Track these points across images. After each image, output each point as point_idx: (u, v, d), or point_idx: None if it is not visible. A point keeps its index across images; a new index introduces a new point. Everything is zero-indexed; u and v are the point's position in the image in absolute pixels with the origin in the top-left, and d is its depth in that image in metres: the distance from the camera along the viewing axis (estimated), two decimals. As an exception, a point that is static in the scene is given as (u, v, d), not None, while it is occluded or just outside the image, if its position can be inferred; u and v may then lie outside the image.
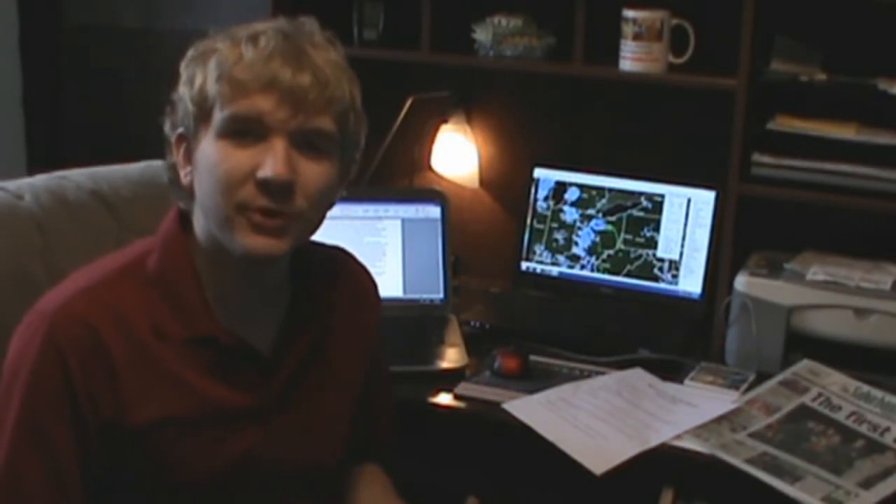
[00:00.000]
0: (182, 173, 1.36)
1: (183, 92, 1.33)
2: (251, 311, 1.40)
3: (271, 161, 1.28)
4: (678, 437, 1.84)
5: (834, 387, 1.97)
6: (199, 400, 1.35)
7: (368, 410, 1.59)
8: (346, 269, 1.56)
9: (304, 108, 1.29)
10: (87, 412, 1.29)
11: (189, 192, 1.36)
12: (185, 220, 1.39)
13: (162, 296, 1.34)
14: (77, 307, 1.30)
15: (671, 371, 2.05)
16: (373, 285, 1.61)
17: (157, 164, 1.65)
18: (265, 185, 1.29)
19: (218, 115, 1.30)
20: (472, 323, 2.23)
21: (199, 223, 1.36)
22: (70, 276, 1.37)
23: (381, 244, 2.27)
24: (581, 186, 2.41)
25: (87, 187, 1.68)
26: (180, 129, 1.35)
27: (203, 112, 1.31)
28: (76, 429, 1.29)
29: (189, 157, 1.35)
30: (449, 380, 1.99)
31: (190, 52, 1.35)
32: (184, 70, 1.34)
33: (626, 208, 2.37)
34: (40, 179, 1.69)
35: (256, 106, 1.28)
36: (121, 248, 1.45)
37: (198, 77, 1.32)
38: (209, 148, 1.31)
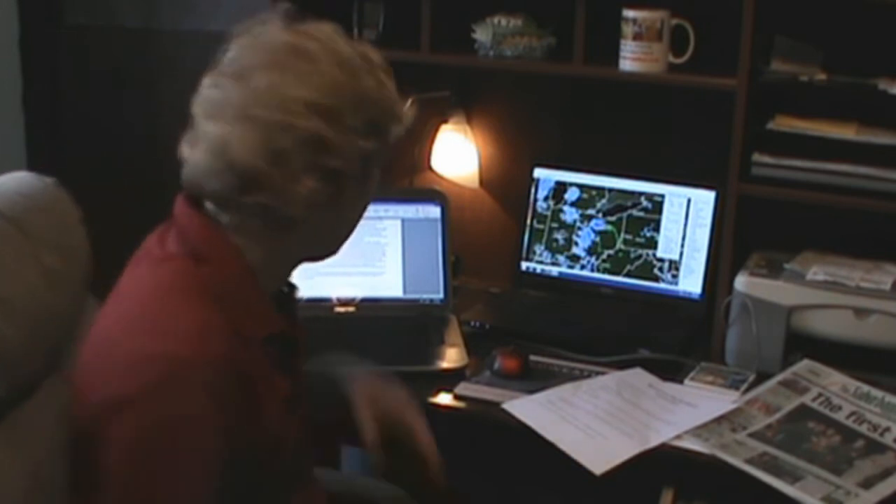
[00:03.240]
0: (301, 209, 1.36)
1: (398, 111, 1.42)
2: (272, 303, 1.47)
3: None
4: (678, 437, 1.84)
5: (834, 387, 1.97)
6: (281, 394, 1.41)
7: None
8: None
9: None
10: (238, 444, 1.32)
11: (285, 224, 1.37)
12: (223, 230, 1.39)
13: (231, 305, 1.35)
14: (209, 345, 1.28)
15: (671, 371, 2.05)
16: None
17: (27, 174, 1.59)
18: None
19: (383, 154, 1.41)
20: (472, 323, 2.23)
21: (267, 234, 1.39)
22: (124, 314, 1.34)
23: (381, 244, 2.27)
24: (581, 186, 2.41)
25: None
26: (340, 167, 1.36)
27: (391, 143, 1.42)
28: (226, 465, 1.32)
29: (336, 197, 1.38)
30: (449, 380, 1.99)
31: (365, 67, 1.38)
32: (380, 87, 1.39)
33: (626, 208, 2.37)
34: None
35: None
36: (38, 264, 1.43)
37: (390, 96, 1.41)
38: (373, 181, 1.43)
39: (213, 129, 1.33)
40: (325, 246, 1.47)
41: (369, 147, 1.37)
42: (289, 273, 1.49)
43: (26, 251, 1.46)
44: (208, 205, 1.39)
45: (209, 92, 1.36)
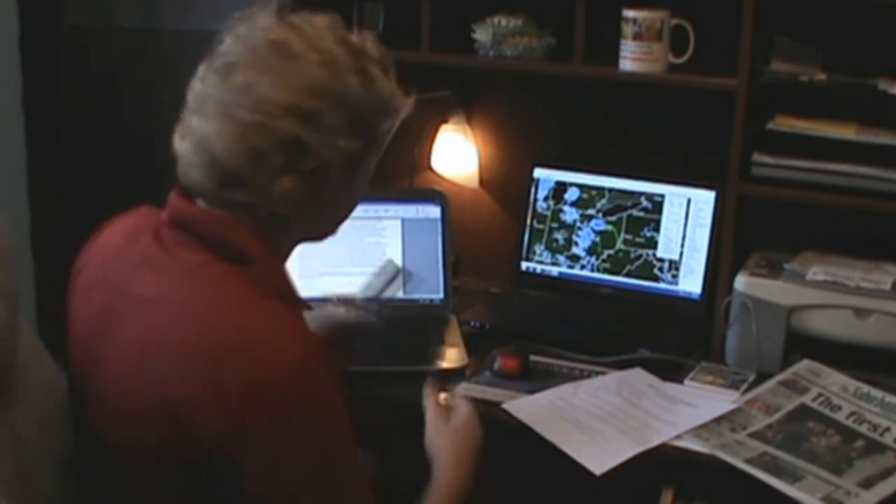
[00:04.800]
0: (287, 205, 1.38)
1: (396, 104, 1.44)
2: None
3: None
4: (678, 437, 1.84)
5: (834, 387, 1.97)
6: None
7: None
8: None
9: None
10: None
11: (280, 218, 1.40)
12: (249, 227, 1.40)
13: (282, 297, 1.40)
14: (308, 340, 1.34)
15: (671, 371, 2.05)
16: None
17: None
18: None
19: (373, 149, 1.44)
20: (472, 323, 2.23)
21: (281, 229, 1.42)
22: (246, 322, 1.34)
23: (381, 244, 2.27)
24: (581, 186, 2.41)
25: None
26: (379, 140, 1.45)
27: (384, 138, 1.45)
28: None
29: (317, 191, 1.39)
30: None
31: (345, 66, 1.38)
32: (329, 111, 1.36)
33: (626, 208, 2.37)
34: None
35: None
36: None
37: (384, 89, 1.42)
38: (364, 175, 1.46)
39: (196, 123, 1.35)
40: (318, 235, 1.51)
41: (354, 146, 1.38)
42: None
43: None
44: (200, 202, 1.40)
45: (196, 85, 1.38)
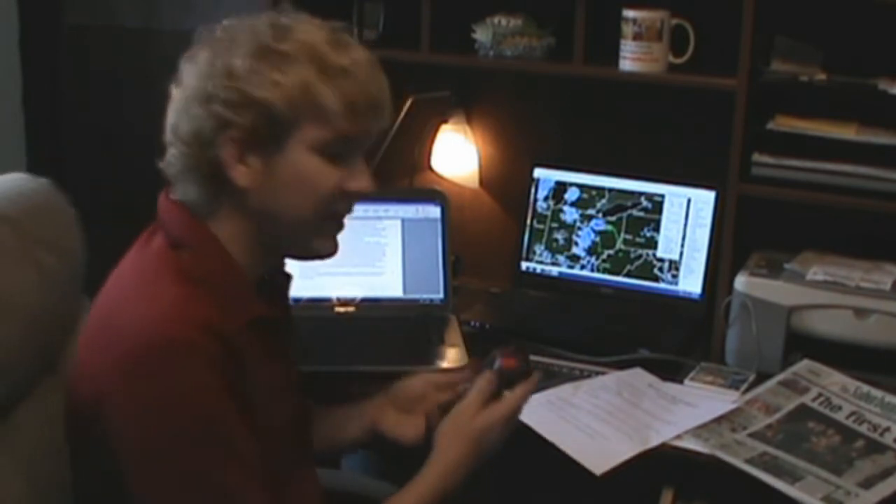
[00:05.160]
0: (234, 172, 1.36)
1: (261, 94, 1.32)
2: (262, 289, 1.48)
3: (361, 176, 1.40)
4: (678, 437, 1.84)
5: (834, 387, 1.97)
6: (266, 377, 1.40)
7: None
8: None
9: (383, 122, 1.41)
10: (247, 407, 1.33)
11: (234, 190, 1.37)
12: (196, 213, 1.41)
13: (212, 290, 1.36)
14: (191, 318, 1.30)
15: (671, 371, 2.05)
16: None
17: (22, 175, 1.60)
18: (356, 197, 1.41)
19: (321, 133, 1.34)
20: (472, 323, 2.23)
21: (237, 219, 1.39)
22: (112, 306, 1.36)
23: (381, 244, 2.27)
24: (581, 186, 2.41)
25: None
26: (242, 129, 1.34)
27: (296, 121, 1.34)
28: (248, 425, 1.34)
29: (246, 157, 1.35)
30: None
31: (241, 48, 1.34)
32: (250, 71, 1.33)
33: (626, 208, 2.37)
34: None
35: (367, 129, 1.38)
36: (32, 262, 1.45)
37: (285, 82, 1.32)
38: (302, 159, 1.36)
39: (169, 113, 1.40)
40: (288, 230, 1.41)
41: (240, 123, 1.34)
42: (270, 261, 1.48)
43: (21, 251, 1.47)
44: (179, 194, 1.42)
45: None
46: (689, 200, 2.32)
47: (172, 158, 1.39)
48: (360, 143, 1.40)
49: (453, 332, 2.16)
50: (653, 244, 2.35)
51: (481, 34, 2.31)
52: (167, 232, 1.40)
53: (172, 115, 1.39)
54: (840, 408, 1.92)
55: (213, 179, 1.37)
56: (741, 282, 2.09)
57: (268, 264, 1.48)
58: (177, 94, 1.38)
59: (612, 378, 2.03)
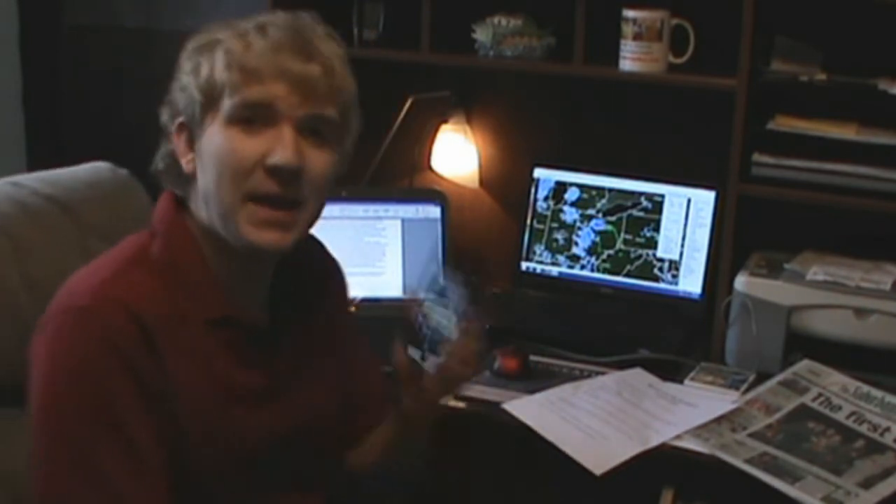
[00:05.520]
0: (184, 161, 1.37)
1: (187, 81, 1.35)
2: (246, 292, 1.42)
3: (281, 148, 1.31)
4: (678, 437, 1.85)
5: (834, 387, 1.97)
6: (224, 381, 1.36)
7: (357, 371, 1.62)
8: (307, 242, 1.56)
9: (313, 96, 1.33)
10: (149, 388, 1.29)
11: (190, 180, 1.37)
12: (180, 205, 1.40)
13: (173, 280, 1.35)
14: (111, 293, 1.29)
15: (671, 371, 2.05)
16: (328, 254, 1.62)
17: (103, 164, 1.65)
18: (275, 172, 1.31)
19: (227, 103, 1.31)
20: (473, 323, 2.23)
21: (201, 210, 1.37)
22: (76, 273, 1.36)
23: (381, 244, 2.27)
24: (581, 186, 2.41)
25: (43, 192, 1.65)
26: (181, 118, 1.36)
27: (210, 100, 1.33)
28: (146, 405, 1.29)
29: (191, 146, 1.36)
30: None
31: (191, 43, 1.37)
32: (186, 60, 1.36)
33: (626, 208, 2.37)
34: None
35: (269, 92, 1.31)
36: (84, 251, 1.46)
37: (204, 66, 1.33)
38: (217, 136, 1.32)
39: None
40: (216, 215, 1.34)
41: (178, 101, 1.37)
42: (240, 269, 1.39)
43: (72, 238, 1.53)
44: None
45: None
46: (689, 200, 2.32)
47: (158, 155, 1.42)
48: (276, 113, 1.31)
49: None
50: (653, 244, 2.35)
51: (481, 34, 2.31)
52: (153, 220, 1.41)
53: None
54: (840, 408, 1.92)
55: (176, 171, 1.38)
56: (741, 282, 2.09)
57: (231, 259, 1.38)
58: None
59: (612, 378, 2.03)
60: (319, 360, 1.52)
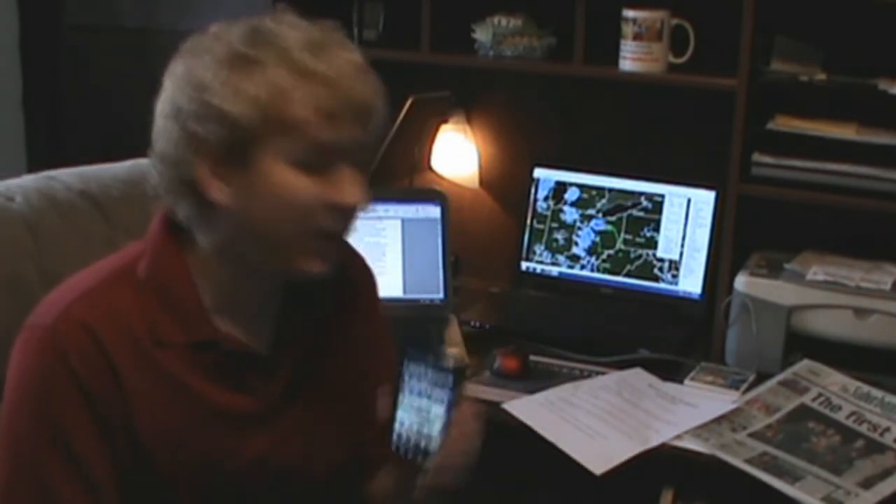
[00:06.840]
0: (211, 188, 1.27)
1: (226, 106, 1.23)
2: (249, 313, 1.37)
3: (349, 188, 1.27)
4: (678, 437, 1.85)
5: (834, 387, 1.97)
6: (202, 405, 1.32)
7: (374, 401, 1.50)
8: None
9: (371, 128, 1.28)
10: (103, 411, 1.27)
11: (211, 206, 1.28)
12: (174, 226, 1.35)
13: (156, 301, 1.31)
14: (74, 313, 1.27)
15: (671, 371, 2.05)
16: (366, 272, 1.56)
17: (144, 162, 1.64)
18: (343, 210, 1.28)
19: (292, 141, 1.24)
20: (472, 323, 2.23)
21: (211, 235, 1.32)
22: (61, 284, 1.35)
23: (381, 244, 2.27)
24: (581, 186, 2.41)
25: (76, 187, 1.65)
26: (211, 144, 1.25)
27: (262, 133, 1.24)
28: (99, 429, 1.27)
29: (220, 172, 1.26)
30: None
31: (209, 55, 1.28)
32: (215, 80, 1.25)
33: (626, 208, 2.37)
34: (29, 180, 1.66)
35: (346, 135, 1.25)
36: (111, 248, 1.44)
37: (249, 90, 1.23)
38: (277, 175, 1.25)
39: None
40: (266, 248, 1.30)
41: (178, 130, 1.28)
42: (253, 283, 1.35)
43: (101, 235, 1.55)
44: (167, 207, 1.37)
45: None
46: (689, 200, 2.32)
47: (156, 175, 1.33)
48: (343, 152, 1.26)
49: (453, 332, 2.16)
50: (653, 244, 2.35)
51: (481, 34, 2.31)
52: (146, 237, 1.37)
53: (153, 133, 1.32)
54: (840, 408, 1.92)
55: (190, 197, 1.29)
56: (741, 282, 2.09)
57: (237, 282, 1.34)
58: (156, 110, 1.32)
59: (612, 378, 2.03)
60: (333, 390, 1.43)
